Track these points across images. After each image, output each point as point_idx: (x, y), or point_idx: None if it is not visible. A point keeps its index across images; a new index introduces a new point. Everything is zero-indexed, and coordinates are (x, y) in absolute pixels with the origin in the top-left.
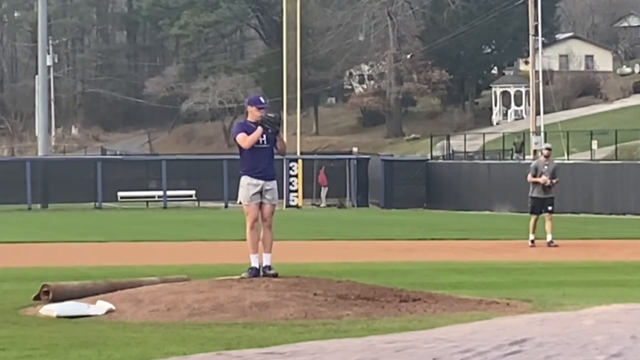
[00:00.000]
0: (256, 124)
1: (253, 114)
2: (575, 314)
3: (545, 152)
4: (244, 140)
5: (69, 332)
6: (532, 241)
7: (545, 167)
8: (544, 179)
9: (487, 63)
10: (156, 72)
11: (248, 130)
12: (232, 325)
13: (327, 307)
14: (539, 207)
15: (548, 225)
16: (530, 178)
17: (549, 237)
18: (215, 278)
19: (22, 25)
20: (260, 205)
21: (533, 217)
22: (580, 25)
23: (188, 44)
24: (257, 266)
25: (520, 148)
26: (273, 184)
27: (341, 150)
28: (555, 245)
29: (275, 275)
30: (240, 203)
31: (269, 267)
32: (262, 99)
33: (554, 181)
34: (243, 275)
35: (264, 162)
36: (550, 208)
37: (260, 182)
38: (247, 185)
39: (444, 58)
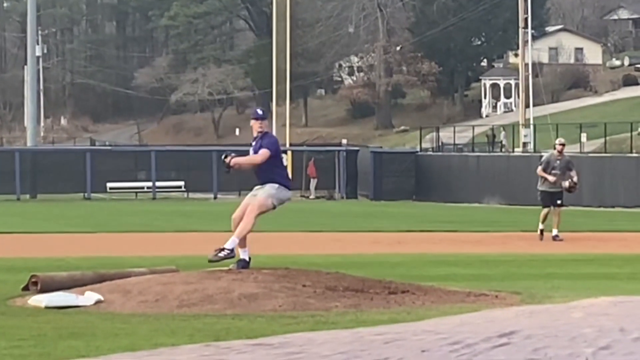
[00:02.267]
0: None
1: (252, 125)
2: (564, 306)
3: (558, 147)
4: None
5: (57, 323)
6: (541, 232)
7: (558, 161)
8: (552, 178)
9: (476, 55)
10: (146, 63)
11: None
12: (220, 317)
13: (316, 298)
14: (548, 200)
15: (555, 220)
16: (539, 171)
17: (554, 232)
18: (204, 269)
19: (11, 16)
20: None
21: (545, 210)
22: (569, 18)
23: (178, 35)
24: (247, 259)
25: (493, 140)
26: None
27: (330, 142)
28: (561, 240)
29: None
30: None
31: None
32: (259, 111)
33: (574, 181)
34: (231, 266)
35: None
36: (559, 202)
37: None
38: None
39: (434, 50)
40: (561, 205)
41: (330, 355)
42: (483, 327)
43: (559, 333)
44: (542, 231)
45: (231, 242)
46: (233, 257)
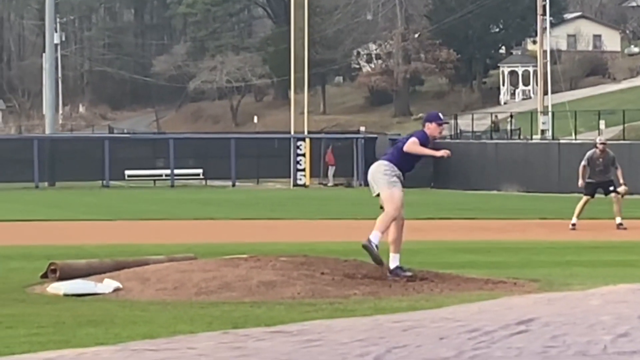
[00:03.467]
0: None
1: (433, 129)
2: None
3: (600, 146)
4: (416, 146)
5: (76, 311)
6: (574, 225)
7: (600, 160)
8: (581, 183)
9: (495, 42)
10: (164, 50)
11: (426, 143)
12: (239, 304)
13: (334, 286)
14: (592, 189)
15: (616, 208)
16: (580, 169)
17: (617, 220)
18: (222, 257)
19: (30, 3)
20: None
21: (584, 198)
22: (588, 5)
23: (196, 23)
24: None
25: (498, 127)
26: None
27: (348, 129)
28: (625, 228)
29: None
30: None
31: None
32: (441, 115)
33: (622, 190)
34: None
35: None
36: (611, 188)
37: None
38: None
39: (452, 37)
40: (616, 191)
41: (348, 342)
42: (501, 314)
43: (577, 320)
44: (574, 224)
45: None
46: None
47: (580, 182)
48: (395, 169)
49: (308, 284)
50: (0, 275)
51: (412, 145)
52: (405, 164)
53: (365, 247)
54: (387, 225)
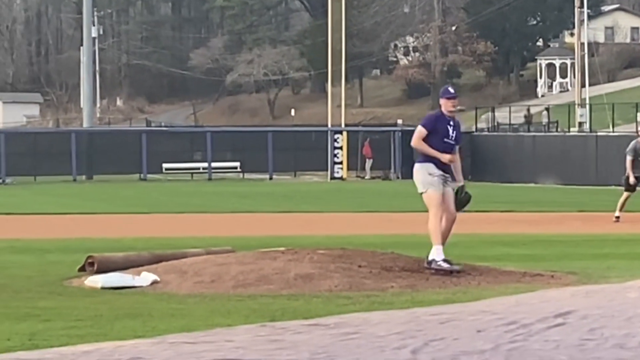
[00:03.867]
0: (448, 116)
1: (445, 105)
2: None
3: None
4: (419, 139)
5: (113, 304)
6: (617, 217)
7: None
8: (632, 180)
9: (532, 35)
10: (201, 43)
11: (438, 124)
12: (276, 297)
13: (371, 279)
14: (635, 184)
15: None
16: (628, 163)
17: None
18: (259, 250)
19: None
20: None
21: (626, 194)
22: None
23: (233, 16)
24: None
25: (530, 120)
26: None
27: (386, 122)
28: None
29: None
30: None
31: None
32: (450, 89)
33: None
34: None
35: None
36: None
37: (443, 172)
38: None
39: (489, 30)
40: None
41: (385, 335)
42: (539, 307)
43: (615, 313)
44: (617, 217)
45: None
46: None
47: (631, 178)
48: (426, 167)
49: (345, 277)
50: (38, 269)
51: (415, 142)
52: (430, 158)
53: (428, 269)
54: (437, 230)
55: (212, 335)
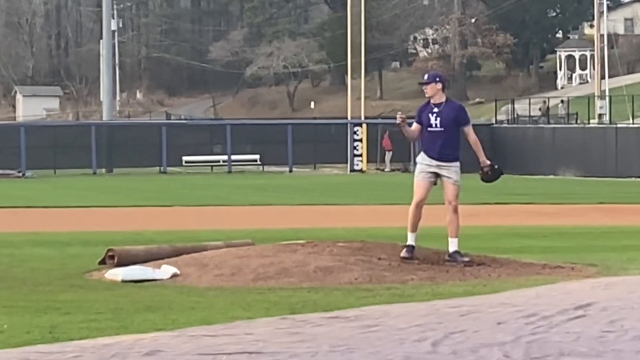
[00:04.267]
0: (434, 103)
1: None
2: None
3: None
4: (414, 132)
5: (134, 297)
6: None
7: None
8: None
9: (551, 27)
10: (220, 36)
11: (422, 114)
12: (296, 290)
13: (391, 271)
14: None
15: None
16: None
17: None
18: (279, 242)
19: None
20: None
21: None
22: None
23: (252, 8)
24: (412, 243)
25: (547, 112)
26: (448, 165)
27: (405, 114)
28: None
29: (469, 263)
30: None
31: (459, 253)
32: (424, 76)
33: None
34: (402, 254)
35: (436, 145)
36: None
37: (434, 162)
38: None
39: (509, 22)
40: None
41: (406, 327)
42: (559, 299)
43: (635, 305)
44: None
45: (454, 245)
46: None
47: None
48: (420, 156)
49: (365, 270)
50: (59, 262)
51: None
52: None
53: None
54: (410, 216)
55: (232, 328)
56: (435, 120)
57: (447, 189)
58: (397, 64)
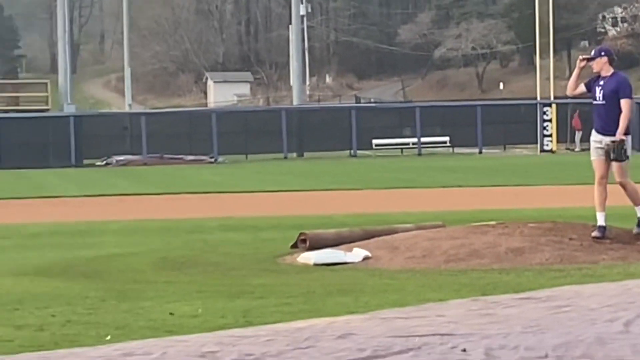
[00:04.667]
0: (601, 77)
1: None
2: None
3: None
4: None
5: (325, 280)
6: None
7: None
8: None
9: None
10: (409, 19)
11: (590, 88)
12: (487, 271)
13: (582, 251)
14: None
15: None
16: None
17: None
18: (470, 224)
19: None
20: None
21: None
22: None
23: None
24: (603, 224)
25: None
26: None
27: None
28: None
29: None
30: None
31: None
32: (592, 52)
33: None
34: (593, 234)
35: (601, 118)
36: None
37: (599, 136)
38: (591, 141)
39: None
40: None
41: (597, 308)
42: None
43: None
44: None
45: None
46: None
47: None
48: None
49: (556, 250)
50: (252, 246)
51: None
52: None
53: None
54: (595, 196)
55: (423, 310)
56: (599, 93)
57: (612, 167)
58: (586, 43)
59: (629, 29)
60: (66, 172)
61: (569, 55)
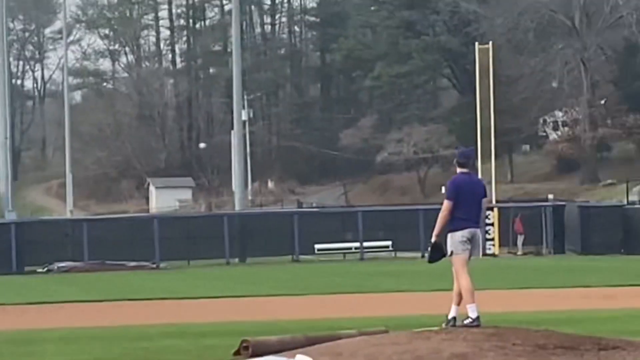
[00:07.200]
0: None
1: None
2: None
3: None
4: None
5: None
6: None
7: None
8: None
9: None
10: (350, 124)
11: (455, 187)
12: None
13: (526, 356)
14: None
15: None
16: None
17: None
18: (413, 330)
19: (218, 81)
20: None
21: None
22: None
23: (382, 95)
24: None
25: None
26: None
27: (536, 197)
28: None
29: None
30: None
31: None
32: (460, 153)
33: None
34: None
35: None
36: None
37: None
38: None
39: (639, 102)
40: None
41: None
42: None
43: None
44: None
45: (470, 310)
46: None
47: None
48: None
49: (500, 356)
50: (194, 354)
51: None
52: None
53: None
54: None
55: None
56: None
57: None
58: (527, 147)
59: (570, 132)
60: (7, 279)
61: (510, 159)
